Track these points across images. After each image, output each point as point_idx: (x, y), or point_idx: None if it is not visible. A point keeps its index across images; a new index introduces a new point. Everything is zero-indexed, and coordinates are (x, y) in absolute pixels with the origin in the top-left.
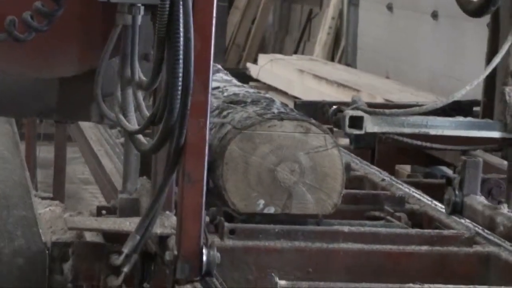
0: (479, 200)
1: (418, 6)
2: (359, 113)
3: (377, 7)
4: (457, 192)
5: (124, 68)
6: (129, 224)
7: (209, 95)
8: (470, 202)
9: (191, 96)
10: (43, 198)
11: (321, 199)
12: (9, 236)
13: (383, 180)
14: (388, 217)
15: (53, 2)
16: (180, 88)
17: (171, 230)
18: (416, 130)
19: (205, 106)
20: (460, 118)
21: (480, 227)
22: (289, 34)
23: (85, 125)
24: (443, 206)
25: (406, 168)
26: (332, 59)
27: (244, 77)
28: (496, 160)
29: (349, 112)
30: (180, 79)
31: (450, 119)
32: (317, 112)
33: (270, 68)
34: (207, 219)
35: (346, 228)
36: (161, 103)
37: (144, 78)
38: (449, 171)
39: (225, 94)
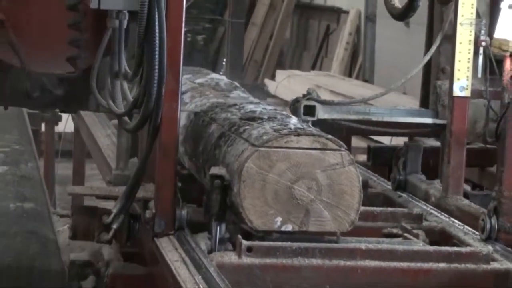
0: (419, 178)
1: None
2: (312, 102)
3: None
4: (401, 172)
5: (113, 63)
6: (117, 190)
7: (180, 84)
8: (412, 179)
9: (165, 85)
10: (61, 216)
11: (338, 216)
12: (28, 255)
13: (400, 196)
14: (406, 234)
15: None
16: (156, 78)
17: (151, 195)
18: (360, 117)
19: (177, 93)
20: (399, 107)
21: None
22: (307, 50)
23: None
24: (461, 223)
25: None
26: (350, 75)
27: (262, 93)
28: None
29: (304, 102)
30: (156, 71)
31: (390, 107)
32: (334, 129)
33: (287, 84)
34: (226, 235)
35: (363, 245)
36: (141, 91)
37: (129, 71)
38: (467, 187)
39: (242, 111)
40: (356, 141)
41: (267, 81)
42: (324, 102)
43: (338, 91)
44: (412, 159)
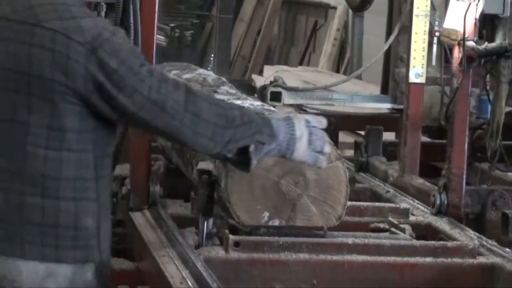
0: (379, 160)
1: None
2: (278, 89)
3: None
4: (363, 154)
5: None
6: None
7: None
8: (373, 161)
9: None
10: None
11: (325, 211)
12: None
13: (387, 192)
14: (393, 229)
15: None
16: None
17: (127, 173)
18: (323, 102)
19: None
20: (361, 93)
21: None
22: (295, 45)
23: None
24: (447, 218)
25: None
26: (338, 71)
27: (249, 89)
28: (500, 173)
29: (271, 88)
30: None
31: (351, 93)
32: None
33: None
34: (214, 230)
35: (350, 240)
36: None
37: None
38: None
39: None
40: (343, 136)
41: (254, 76)
42: (289, 89)
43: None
44: (373, 143)
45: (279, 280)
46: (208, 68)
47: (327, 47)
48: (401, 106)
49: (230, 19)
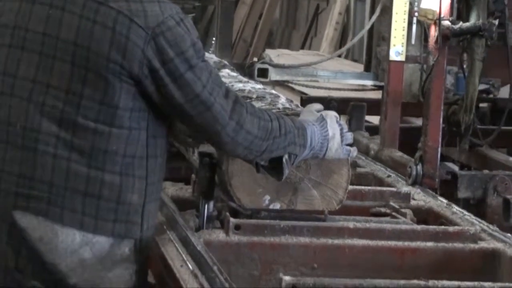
0: (362, 134)
1: None
2: (265, 66)
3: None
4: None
5: None
6: None
7: None
8: (355, 136)
9: None
10: None
11: (326, 195)
12: None
13: (388, 176)
14: (394, 213)
15: None
16: None
17: None
18: (308, 79)
19: None
20: (344, 70)
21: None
22: (296, 29)
23: None
24: (449, 202)
25: None
26: (339, 55)
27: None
28: (501, 156)
29: (258, 65)
30: None
31: (335, 70)
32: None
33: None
34: (214, 213)
35: (351, 224)
36: None
37: None
38: (455, 167)
39: None
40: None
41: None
42: (276, 65)
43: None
44: (356, 118)
45: (279, 263)
46: (210, 51)
47: (329, 31)
48: (382, 83)
49: (232, 2)
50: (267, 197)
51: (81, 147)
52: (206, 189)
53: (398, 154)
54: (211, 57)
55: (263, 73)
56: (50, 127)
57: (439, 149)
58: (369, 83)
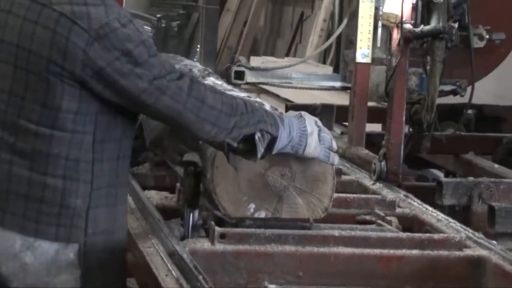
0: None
1: None
2: (241, 68)
3: None
4: None
5: None
6: None
7: None
8: None
9: None
10: None
11: (311, 203)
12: None
13: (374, 183)
14: (379, 221)
15: None
16: None
17: None
18: (282, 81)
19: None
20: (316, 72)
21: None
22: (281, 36)
23: None
24: (434, 210)
25: None
26: (324, 62)
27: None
28: (486, 163)
29: (234, 68)
30: None
31: (307, 72)
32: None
33: None
34: (199, 222)
35: (336, 232)
36: None
37: None
38: (440, 174)
39: None
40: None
41: None
42: (251, 68)
43: None
44: (326, 117)
45: (265, 272)
46: (195, 59)
47: (314, 38)
48: (349, 84)
49: (217, 10)
50: (252, 206)
51: (23, 150)
52: (191, 198)
53: (364, 152)
54: (196, 65)
55: (240, 75)
56: None
57: (402, 146)
58: (337, 84)
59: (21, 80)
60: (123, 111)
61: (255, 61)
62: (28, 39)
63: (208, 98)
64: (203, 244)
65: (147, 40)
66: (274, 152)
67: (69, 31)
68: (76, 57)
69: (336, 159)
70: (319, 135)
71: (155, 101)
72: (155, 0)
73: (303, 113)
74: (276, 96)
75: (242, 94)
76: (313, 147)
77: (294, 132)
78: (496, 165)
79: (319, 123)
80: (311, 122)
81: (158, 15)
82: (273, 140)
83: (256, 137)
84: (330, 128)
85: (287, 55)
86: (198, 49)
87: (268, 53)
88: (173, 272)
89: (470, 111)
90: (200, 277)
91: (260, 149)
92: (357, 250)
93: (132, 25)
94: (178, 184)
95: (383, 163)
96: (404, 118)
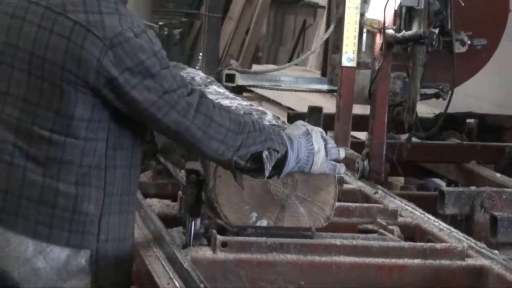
0: None
1: None
2: (232, 71)
3: None
4: None
5: None
6: None
7: None
8: None
9: None
10: None
11: (313, 212)
12: None
13: (376, 192)
14: (381, 230)
15: None
16: None
17: None
18: (272, 84)
19: None
20: (304, 76)
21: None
22: (283, 44)
23: None
24: (436, 219)
25: (400, 180)
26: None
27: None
28: (488, 173)
29: (225, 71)
30: None
31: (296, 75)
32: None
33: None
34: (201, 230)
35: (338, 241)
36: None
37: None
38: (442, 183)
39: None
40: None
41: None
42: (242, 71)
43: None
44: (314, 119)
45: (266, 280)
46: (197, 67)
47: (316, 46)
48: (336, 87)
49: (219, 18)
50: (254, 214)
51: (37, 157)
52: (193, 206)
53: (349, 152)
54: (198, 73)
55: (231, 78)
56: (7, 136)
57: (384, 146)
58: (324, 87)
59: (35, 88)
60: (135, 120)
61: (257, 69)
62: (43, 47)
63: (216, 115)
64: (205, 253)
65: (159, 51)
66: (283, 175)
67: (84, 39)
68: (90, 65)
69: (342, 169)
70: (325, 148)
71: (163, 115)
72: (157, 8)
73: (310, 128)
74: (278, 104)
75: (245, 103)
76: (319, 164)
77: (301, 154)
78: (498, 175)
79: (324, 134)
80: (317, 138)
81: (160, 23)
82: (281, 160)
83: (264, 155)
84: None
85: (289, 63)
86: (200, 57)
87: (270, 61)
88: (174, 280)
89: (472, 120)
90: (202, 286)
91: (268, 167)
92: (359, 259)
93: (145, 35)
94: (180, 193)
95: (366, 162)
96: (386, 119)
